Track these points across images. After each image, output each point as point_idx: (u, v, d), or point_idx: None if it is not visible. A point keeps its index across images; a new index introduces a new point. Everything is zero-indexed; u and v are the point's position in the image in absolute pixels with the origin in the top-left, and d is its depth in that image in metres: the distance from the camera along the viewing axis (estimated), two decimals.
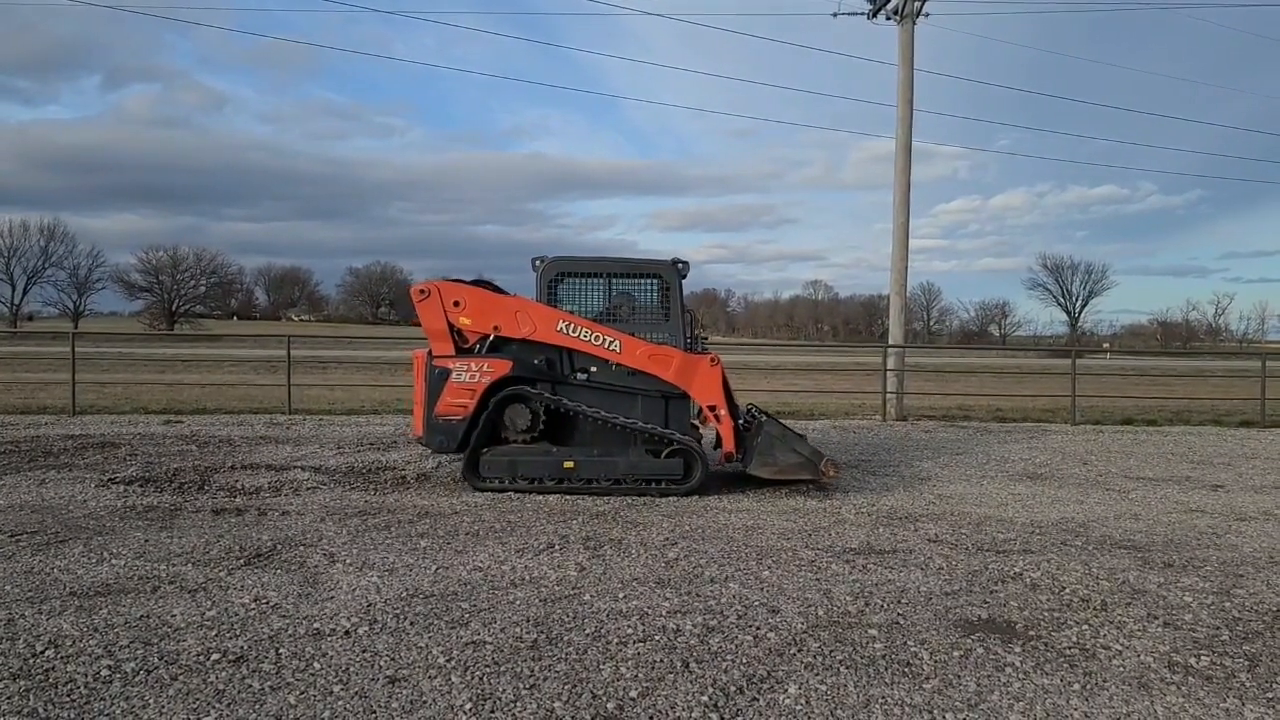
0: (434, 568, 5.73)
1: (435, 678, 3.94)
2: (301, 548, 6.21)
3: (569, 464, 8.47)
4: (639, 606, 5.00)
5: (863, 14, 18.33)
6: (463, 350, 8.74)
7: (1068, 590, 5.47)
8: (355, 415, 15.50)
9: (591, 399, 8.72)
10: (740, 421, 9.07)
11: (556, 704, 3.69)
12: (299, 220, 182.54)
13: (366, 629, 4.55)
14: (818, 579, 5.65)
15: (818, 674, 4.06)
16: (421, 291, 8.66)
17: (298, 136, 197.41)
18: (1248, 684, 4.04)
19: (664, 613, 4.89)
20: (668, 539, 6.66)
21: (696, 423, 9.19)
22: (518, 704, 3.68)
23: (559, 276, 8.98)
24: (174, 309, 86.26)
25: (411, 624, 4.64)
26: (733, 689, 3.87)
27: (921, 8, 17.51)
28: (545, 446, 8.64)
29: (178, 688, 3.79)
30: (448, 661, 4.12)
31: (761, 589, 5.41)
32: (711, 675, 4.02)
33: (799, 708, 3.69)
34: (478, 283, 9.03)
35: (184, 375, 24.27)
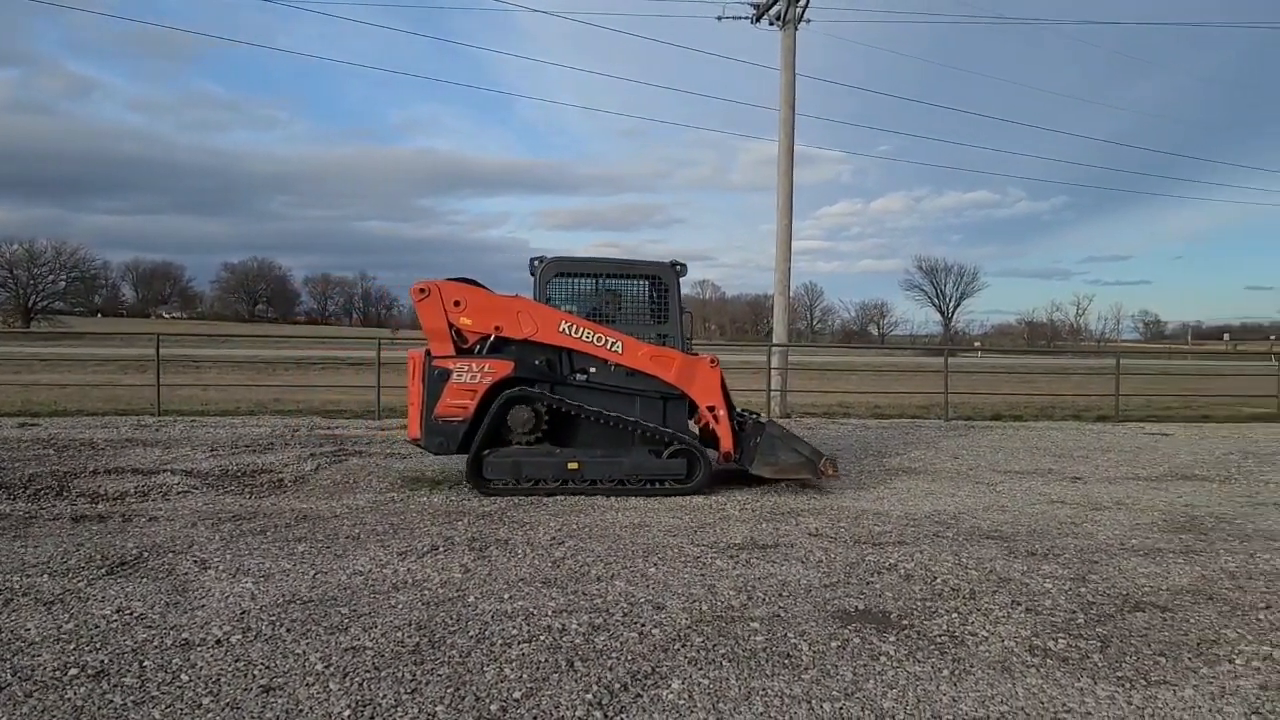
0: (312, 572, 5.58)
1: (312, 685, 3.83)
2: (170, 555, 5.95)
3: (573, 465, 8.44)
4: (524, 607, 4.97)
5: (746, 18, 18.65)
6: (462, 351, 8.59)
7: (939, 580, 5.69)
8: (230, 416, 14.93)
9: (591, 400, 8.67)
10: (733, 423, 9.12)
11: (439, 708, 3.63)
12: (173, 214, 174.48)
13: (240, 638, 4.40)
14: (702, 574, 5.72)
15: (701, 668, 4.11)
16: (421, 291, 8.48)
17: (173, 126, 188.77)
18: (1100, 664, 4.27)
19: (549, 612, 4.88)
20: (554, 538, 6.64)
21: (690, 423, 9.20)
22: (398, 709, 3.61)
23: (557, 277, 8.98)
24: (30, 305, 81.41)
25: (288, 631, 4.50)
26: (617, 686, 3.88)
27: (803, 14, 17.92)
28: (548, 448, 8.58)
29: (32, 704, 3.59)
30: (326, 668, 4.02)
31: (647, 586, 5.44)
32: (596, 673, 4.02)
33: (681, 702, 3.74)
34: (463, 280, 8.84)
35: (42, 375, 22.94)
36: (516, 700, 3.73)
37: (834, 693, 3.87)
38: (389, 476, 9.19)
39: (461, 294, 8.52)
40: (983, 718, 3.65)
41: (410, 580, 5.46)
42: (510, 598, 5.14)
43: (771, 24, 18.26)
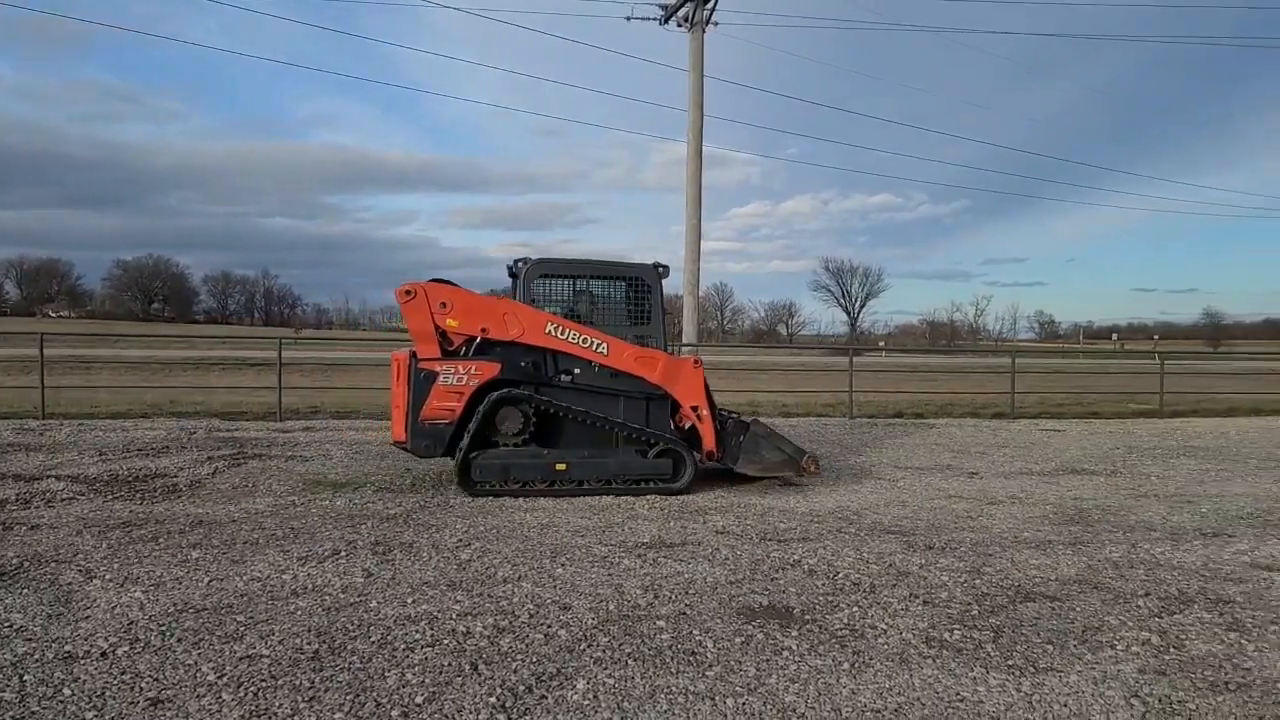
0: (207, 580, 5.40)
1: (204, 697, 3.71)
2: (53, 564, 5.69)
3: (561, 466, 8.46)
4: (428, 610, 4.90)
5: (655, 19, 18.74)
6: (448, 353, 8.47)
7: (841, 575, 5.80)
8: (122, 419, 14.35)
9: (576, 401, 8.66)
10: (715, 423, 9.16)
11: (337, 715, 3.56)
12: (61, 208, 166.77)
13: (127, 649, 4.23)
14: (610, 574, 5.73)
15: (606, 668, 4.12)
16: (407, 292, 8.37)
17: (63, 118, 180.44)
18: (993, 654, 4.42)
19: (454, 615, 4.82)
20: (461, 540, 6.56)
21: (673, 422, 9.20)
22: (295, 718, 3.53)
23: (541, 278, 8.97)
24: None
25: (179, 641, 4.35)
26: (521, 688, 3.86)
27: (710, 16, 18.10)
28: (535, 449, 8.56)
29: None
30: (219, 679, 3.89)
31: (554, 587, 5.43)
32: (500, 676, 3.99)
33: (586, 703, 3.73)
34: (444, 281, 8.72)
35: None
36: (419, 705, 3.67)
37: (737, 688, 3.92)
38: (290, 480, 8.96)
39: (448, 296, 8.47)
40: (881, 709, 3.74)
41: (310, 586, 5.33)
42: (414, 601, 5.07)
43: (679, 25, 18.39)
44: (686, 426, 9.07)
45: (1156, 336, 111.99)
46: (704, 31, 18.11)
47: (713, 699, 3.80)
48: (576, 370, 8.72)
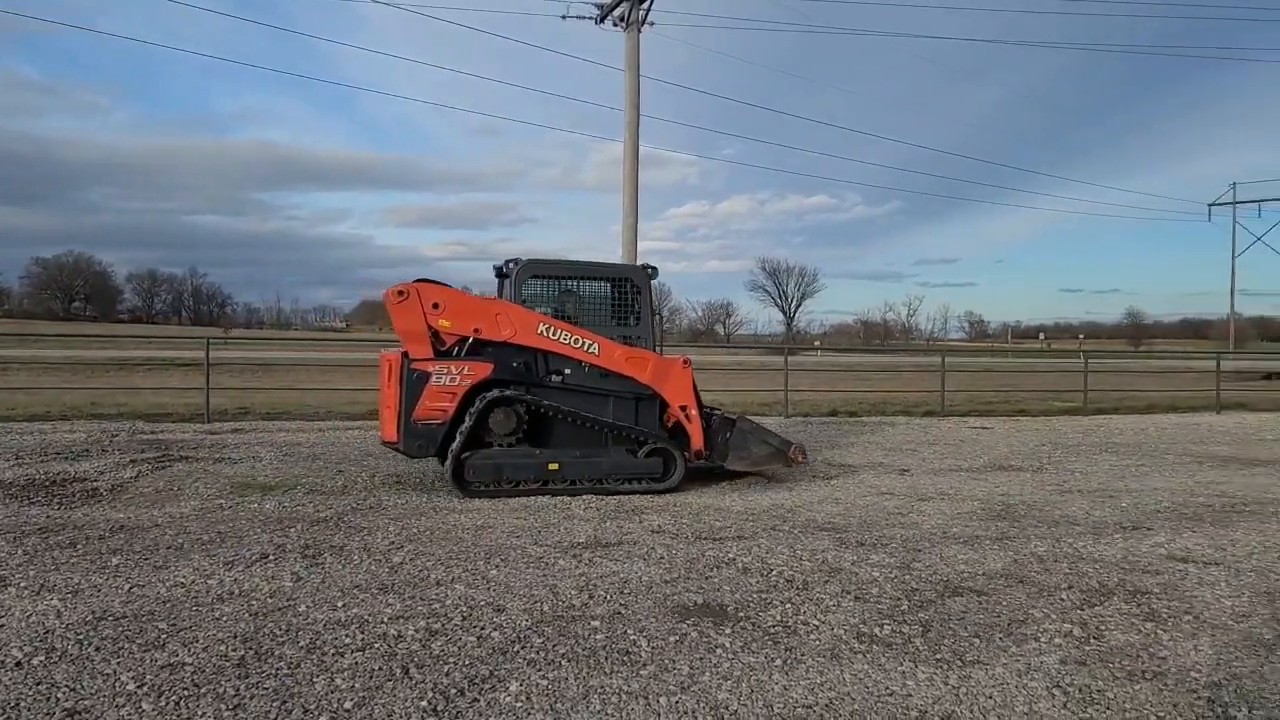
0: (128, 586, 5.24)
1: (123, 707, 3.60)
2: None
3: (554, 466, 8.52)
4: (359, 614, 4.82)
5: (591, 19, 18.72)
6: (440, 353, 8.42)
7: (775, 572, 5.86)
8: (40, 422, 13.88)
9: (566, 401, 8.69)
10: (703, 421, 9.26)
11: None
12: None
13: (42, 659, 4.09)
14: (545, 575, 5.70)
15: (540, 669, 4.10)
16: (400, 293, 8.33)
17: None
18: (921, 648, 4.49)
19: (385, 619, 4.75)
20: (393, 543, 6.48)
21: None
22: None
23: (532, 278, 9.01)
24: None
25: (97, 650, 4.22)
26: (454, 691, 3.82)
27: (646, 16, 18.13)
28: (528, 449, 8.61)
29: None
30: (139, 688, 3.78)
31: (488, 588, 5.38)
32: (432, 679, 3.95)
33: (519, 705, 3.71)
34: (434, 282, 8.69)
35: None
36: (348, 711, 3.61)
37: (671, 687, 3.93)
38: (217, 483, 8.75)
39: (440, 296, 8.45)
40: (812, 704, 3.78)
41: (237, 591, 5.22)
42: (344, 605, 4.98)
43: (615, 25, 18.39)
44: (671, 424, 9.18)
45: (1081, 336, 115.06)
46: (639, 31, 18.14)
47: (646, 698, 3.81)
48: (567, 371, 8.78)
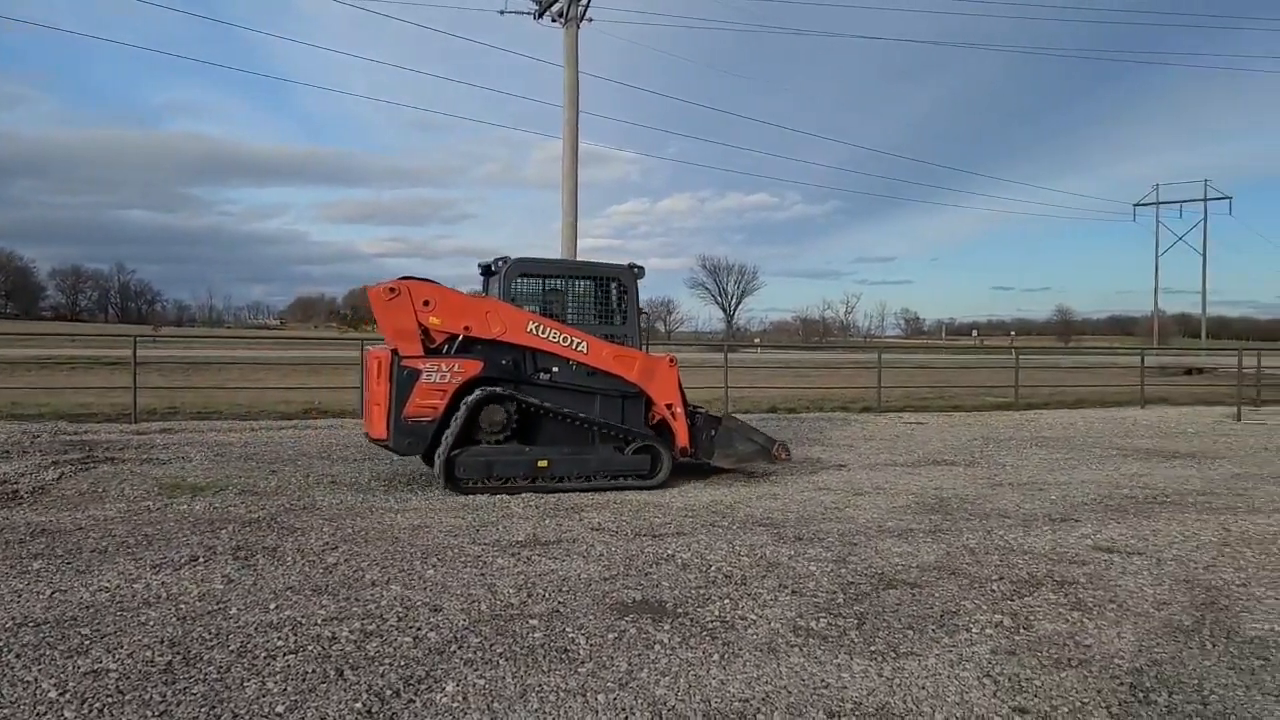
0: (49, 591, 5.08)
1: (44, 715, 3.49)
2: None
3: (543, 463, 8.60)
4: (292, 616, 4.74)
5: (529, 13, 18.61)
6: (429, 351, 8.41)
7: (713, 568, 5.89)
8: None
9: (554, 399, 8.72)
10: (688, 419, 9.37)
11: None
12: None
13: None
14: (482, 574, 5.66)
15: (477, 669, 4.06)
16: (391, 290, 8.31)
17: None
18: (856, 640, 4.56)
19: (319, 621, 4.67)
20: (328, 544, 6.37)
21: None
22: None
23: (521, 277, 9.04)
24: None
25: (17, 657, 4.08)
26: (389, 692, 3.77)
27: (585, 11, 18.07)
28: (517, 446, 8.64)
29: None
30: (61, 695, 3.67)
31: (425, 588, 5.32)
32: (367, 681, 3.89)
33: (455, 705, 3.67)
34: (425, 280, 8.66)
35: None
36: (280, 714, 3.55)
37: (609, 684, 3.92)
38: (145, 484, 8.52)
39: (431, 294, 8.46)
40: (749, 698, 3.81)
41: (164, 595, 5.09)
42: (277, 607, 4.89)
43: (554, 20, 18.31)
44: (656, 421, 9.28)
45: (1013, 333, 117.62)
46: (578, 27, 18.08)
47: (584, 695, 3.80)
48: (555, 369, 8.84)
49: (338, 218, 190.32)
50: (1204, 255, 64.64)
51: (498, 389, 8.52)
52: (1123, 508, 8.26)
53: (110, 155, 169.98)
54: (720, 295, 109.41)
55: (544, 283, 9.42)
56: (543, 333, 8.69)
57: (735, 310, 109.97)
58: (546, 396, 8.76)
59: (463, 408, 8.33)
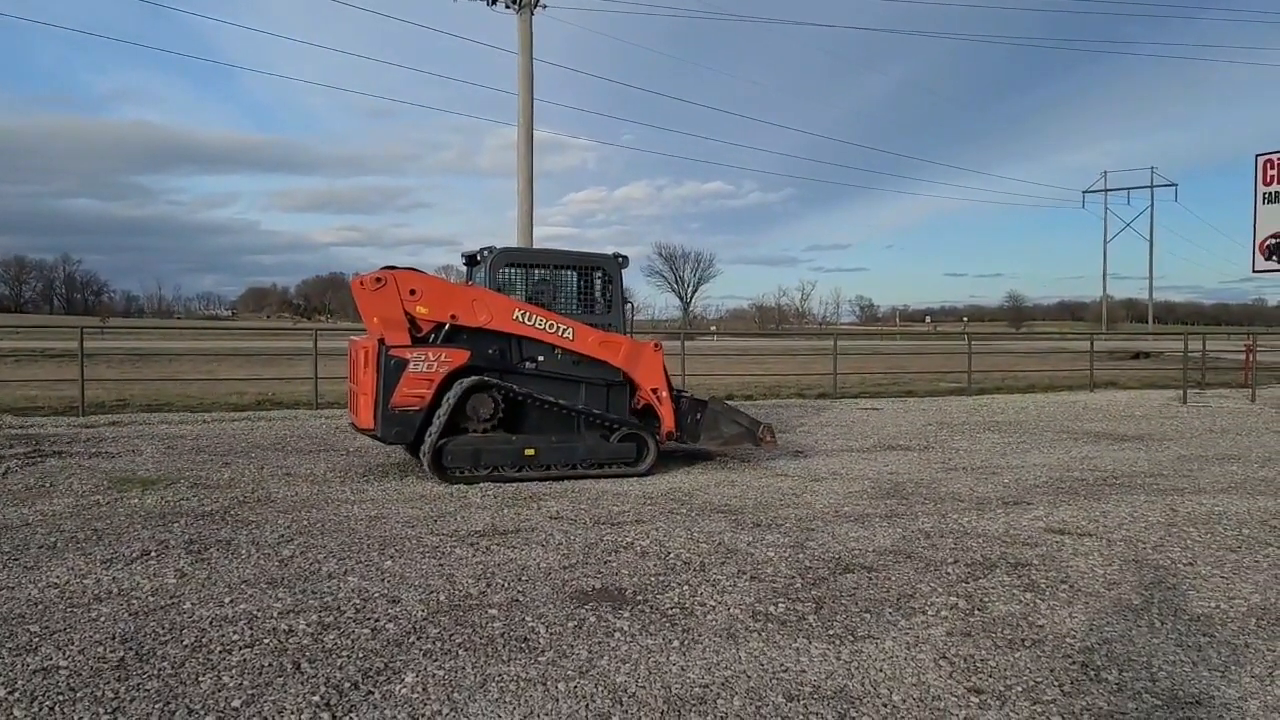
0: None
1: None
2: None
3: (530, 451, 8.60)
4: (247, 610, 4.68)
5: (483, 0, 18.45)
6: (416, 340, 8.35)
7: (672, 555, 5.91)
8: None
9: (540, 387, 8.72)
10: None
11: None
12: None
13: None
14: (441, 565, 5.63)
15: (436, 659, 4.04)
16: (378, 279, 8.37)
17: None
18: (814, 624, 4.60)
19: (275, 614, 4.62)
20: (283, 536, 6.30)
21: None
22: None
23: (507, 266, 9.05)
24: None
25: None
26: (347, 685, 3.74)
27: None
28: (504, 435, 8.65)
29: None
30: (9, 694, 3.59)
31: (382, 580, 5.28)
32: (325, 673, 3.86)
33: (415, 695, 3.65)
34: (410, 269, 8.64)
35: None
36: (236, 709, 3.50)
37: (569, 672, 3.93)
38: (94, 478, 8.36)
39: (417, 283, 8.44)
40: (709, 684, 3.83)
41: (116, 590, 5.00)
42: (232, 601, 4.82)
43: (508, 7, 18.17)
44: (641, 406, 9.35)
45: (966, 319, 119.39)
46: (532, 14, 17.96)
47: (544, 684, 3.80)
48: (540, 358, 8.85)
49: (289, 207, 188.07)
50: (1150, 241, 65.94)
51: (485, 378, 8.52)
52: (1074, 490, 8.42)
53: (54, 142, 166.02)
54: (677, 283, 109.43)
55: (529, 272, 9.44)
56: (529, 320, 8.70)
57: (692, 298, 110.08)
58: (533, 385, 8.78)
59: (450, 397, 8.33)
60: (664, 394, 9.31)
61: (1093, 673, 4.00)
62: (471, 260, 9.71)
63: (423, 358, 8.34)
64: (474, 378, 8.47)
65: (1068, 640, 4.41)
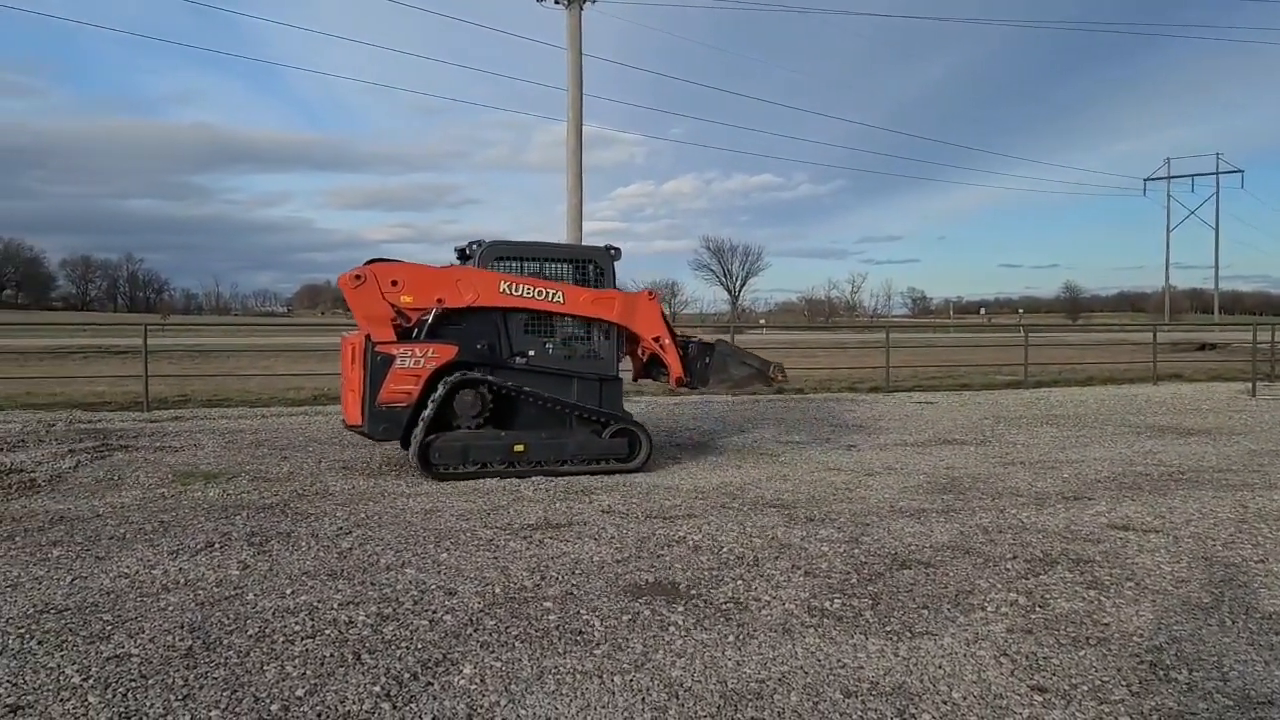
0: (69, 579, 5.12)
1: (68, 700, 3.52)
2: None
3: (519, 447, 8.50)
4: (308, 601, 4.76)
5: None
6: (406, 329, 8.40)
7: (725, 549, 5.90)
8: None
9: (530, 382, 8.66)
10: (679, 349, 9.41)
11: (213, 713, 3.43)
12: None
13: None
14: (495, 557, 5.68)
15: (493, 651, 4.08)
16: (356, 277, 8.27)
17: None
18: (871, 620, 4.56)
19: (335, 605, 4.70)
20: (341, 529, 6.40)
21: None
22: (168, 717, 3.38)
23: (496, 260, 8.95)
24: None
25: (40, 643, 4.11)
26: (406, 675, 3.79)
27: None
28: (493, 431, 8.57)
29: None
30: (84, 681, 3.70)
31: (439, 572, 5.35)
32: (385, 664, 3.92)
33: (473, 687, 3.69)
34: (380, 261, 8.59)
35: None
36: (299, 698, 3.57)
37: (624, 665, 3.94)
38: (159, 471, 8.57)
39: (397, 273, 8.41)
40: (765, 679, 3.82)
41: (183, 580, 5.12)
42: (293, 592, 4.92)
43: (557, 3, 18.21)
44: (647, 358, 9.38)
45: (1021, 311, 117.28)
46: (581, 9, 17.99)
47: (600, 677, 3.81)
48: (531, 352, 8.79)
49: (342, 205, 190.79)
50: (1216, 229, 64.33)
51: (473, 373, 8.47)
52: (1138, 485, 8.24)
53: (116, 145, 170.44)
54: (725, 277, 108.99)
55: (520, 265, 9.29)
56: (516, 290, 8.61)
57: (740, 292, 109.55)
58: (523, 380, 8.70)
59: (437, 393, 8.28)
60: (666, 341, 9.21)
61: (1161, 672, 3.91)
62: (462, 256, 9.59)
63: (409, 354, 8.29)
64: (461, 373, 8.42)
65: (1134, 639, 4.32)
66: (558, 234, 19.49)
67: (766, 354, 10.38)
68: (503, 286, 8.58)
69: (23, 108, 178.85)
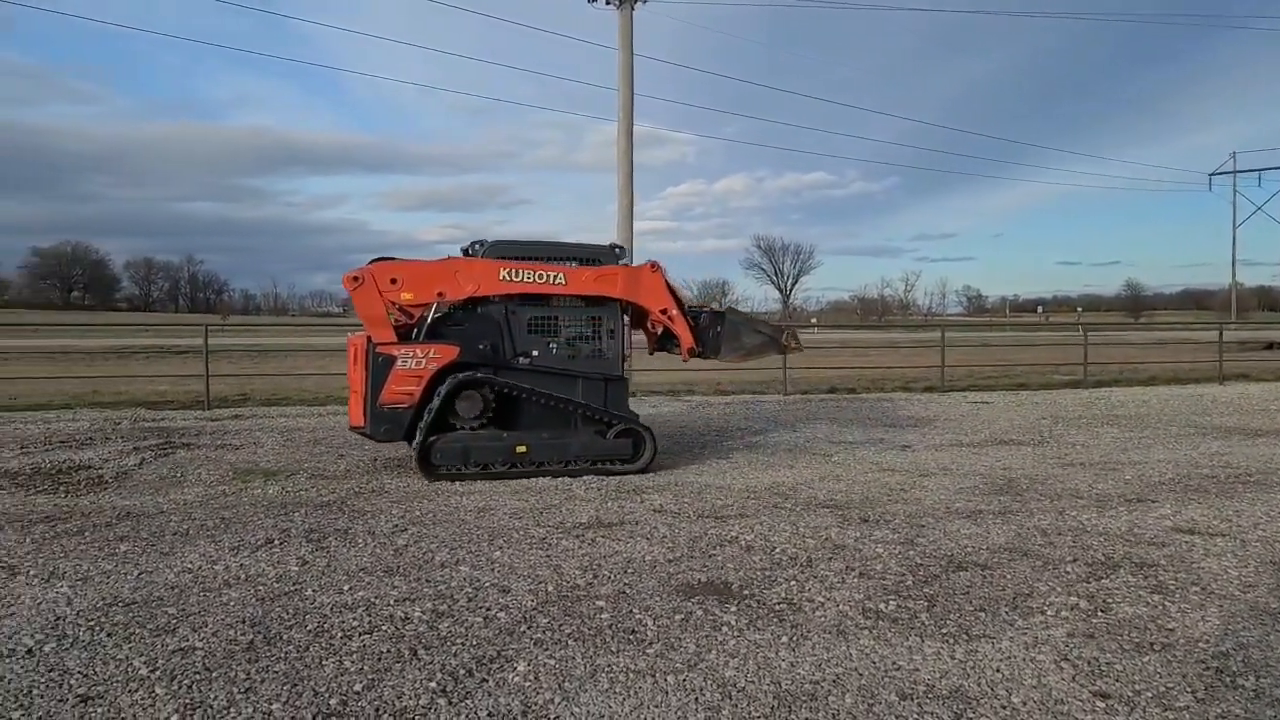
0: (136, 573, 5.26)
1: (136, 691, 3.61)
2: None
3: (522, 448, 8.45)
4: (365, 597, 4.83)
5: None
6: (407, 328, 8.45)
7: (778, 550, 5.86)
8: (43, 411, 13.90)
9: (535, 383, 8.63)
10: (688, 319, 9.32)
11: (274, 706, 3.49)
12: None
13: (54, 645, 4.10)
14: (548, 556, 5.71)
15: (547, 649, 4.11)
16: (355, 279, 8.29)
17: None
18: (927, 623, 4.50)
19: (392, 601, 4.76)
20: (397, 526, 6.49)
21: None
22: (231, 710, 3.46)
23: (499, 260, 8.91)
24: None
25: (109, 635, 4.23)
26: (462, 672, 3.83)
27: None
28: (495, 432, 8.53)
29: None
30: (151, 672, 3.79)
31: (493, 569, 5.39)
32: (440, 660, 3.96)
33: (527, 684, 3.72)
34: (379, 260, 8.65)
35: None
36: (358, 693, 3.63)
37: (677, 665, 3.94)
38: (220, 469, 8.77)
39: (395, 271, 8.42)
40: (819, 680, 3.79)
41: (244, 576, 5.23)
42: (350, 589, 4.99)
43: (608, 3, 18.25)
44: (660, 332, 9.32)
45: (1080, 309, 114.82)
46: (633, 9, 18.01)
47: (653, 676, 3.82)
48: (535, 352, 8.73)
49: (396, 206, 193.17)
50: None
51: (474, 374, 8.42)
52: (1203, 488, 8.04)
53: (176, 149, 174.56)
54: (776, 275, 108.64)
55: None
56: (516, 276, 8.55)
57: (791, 290, 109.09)
58: (526, 380, 8.62)
59: (439, 393, 8.25)
60: (674, 312, 9.07)
61: (1228, 679, 3.81)
62: (467, 255, 9.46)
63: (411, 354, 8.26)
64: (463, 374, 8.37)
65: (1200, 645, 4.21)
66: (609, 233, 19.52)
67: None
68: (503, 274, 8.53)
69: (87, 114, 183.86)
